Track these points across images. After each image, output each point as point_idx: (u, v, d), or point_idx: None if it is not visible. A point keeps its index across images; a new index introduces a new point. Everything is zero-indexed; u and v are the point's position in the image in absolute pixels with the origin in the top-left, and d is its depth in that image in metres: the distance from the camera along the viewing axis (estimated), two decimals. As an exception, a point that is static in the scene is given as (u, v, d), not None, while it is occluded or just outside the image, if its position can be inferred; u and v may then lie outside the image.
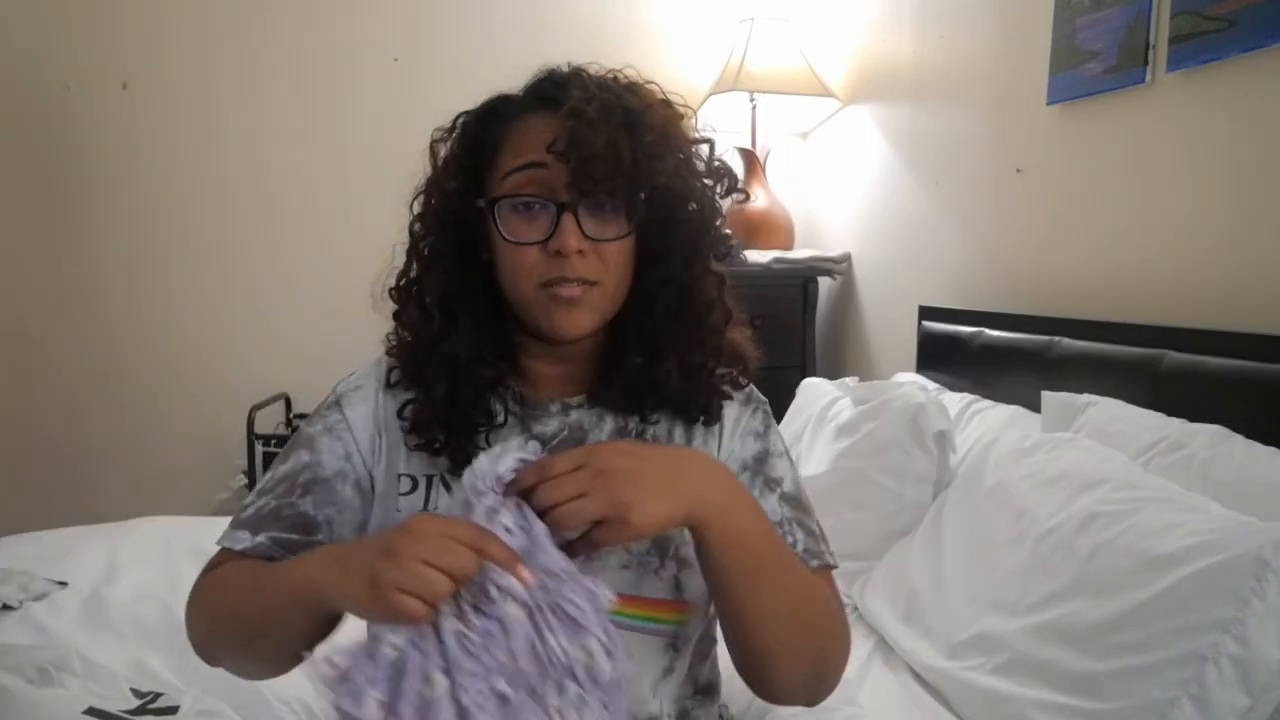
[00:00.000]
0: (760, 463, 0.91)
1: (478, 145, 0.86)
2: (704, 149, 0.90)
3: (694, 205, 0.86)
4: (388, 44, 2.82)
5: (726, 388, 0.91)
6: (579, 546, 0.72)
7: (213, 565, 0.88)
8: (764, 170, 2.80)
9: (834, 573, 0.90)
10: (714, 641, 0.96)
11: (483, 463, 0.73)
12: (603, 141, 0.78)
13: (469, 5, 2.85)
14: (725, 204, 0.92)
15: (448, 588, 0.65)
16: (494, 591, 0.66)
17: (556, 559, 0.69)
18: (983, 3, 2.05)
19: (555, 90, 0.83)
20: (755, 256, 2.61)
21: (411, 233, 0.90)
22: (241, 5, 2.76)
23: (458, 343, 0.86)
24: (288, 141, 2.81)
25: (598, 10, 2.89)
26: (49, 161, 2.73)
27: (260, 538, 0.85)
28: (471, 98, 0.90)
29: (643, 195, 0.82)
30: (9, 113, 2.68)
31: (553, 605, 0.67)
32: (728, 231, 0.92)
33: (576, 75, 0.85)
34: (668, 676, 0.87)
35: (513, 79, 0.88)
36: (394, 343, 0.90)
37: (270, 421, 2.70)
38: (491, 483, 0.71)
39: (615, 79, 0.86)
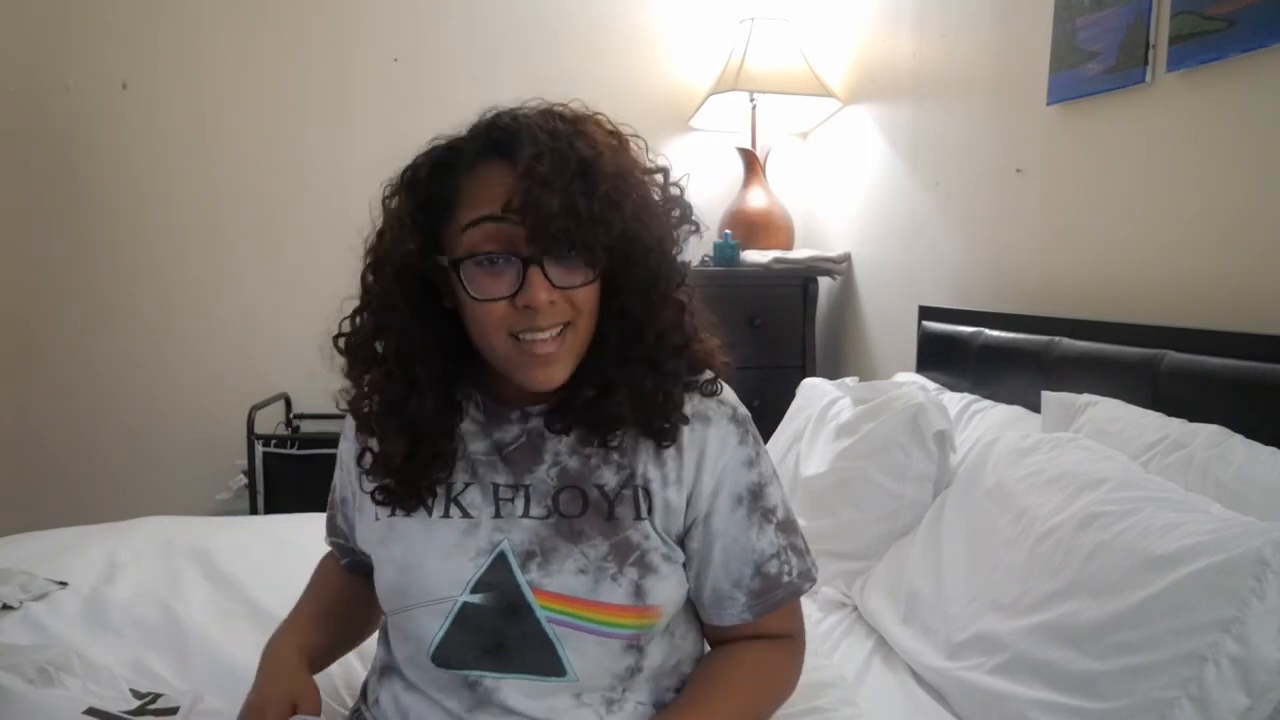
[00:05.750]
0: (756, 496, 0.92)
1: (430, 199, 0.85)
2: (659, 177, 0.89)
3: (651, 241, 0.85)
4: (388, 44, 2.82)
5: (697, 399, 0.91)
6: None
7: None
8: (764, 170, 2.80)
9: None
10: (698, 661, 0.97)
11: None
12: (559, 200, 0.78)
13: (469, 5, 2.85)
14: (684, 229, 0.91)
15: None
16: None
17: None
18: (983, 3, 2.05)
19: (505, 137, 0.82)
20: (755, 256, 2.62)
21: (364, 286, 0.89)
22: (241, 6, 2.76)
23: (420, 404, 0.87)
24: (288, 141, 2.81)
25: (598, 10, 2.89)
26: (48, 161, 2.74)
27: (330, 541, 1.09)
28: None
29: (604, 244, 0.81)
30: (9, 112, 2.69)
31: None
32: (685, 259, 0.91)
33: (525, 125, 0.82)
34: (635, 675, 0.87)
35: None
36: (349, 397, 0.91)
37: (270, 421, 2.70)
38: None
39: (563, 118, 0.84)
